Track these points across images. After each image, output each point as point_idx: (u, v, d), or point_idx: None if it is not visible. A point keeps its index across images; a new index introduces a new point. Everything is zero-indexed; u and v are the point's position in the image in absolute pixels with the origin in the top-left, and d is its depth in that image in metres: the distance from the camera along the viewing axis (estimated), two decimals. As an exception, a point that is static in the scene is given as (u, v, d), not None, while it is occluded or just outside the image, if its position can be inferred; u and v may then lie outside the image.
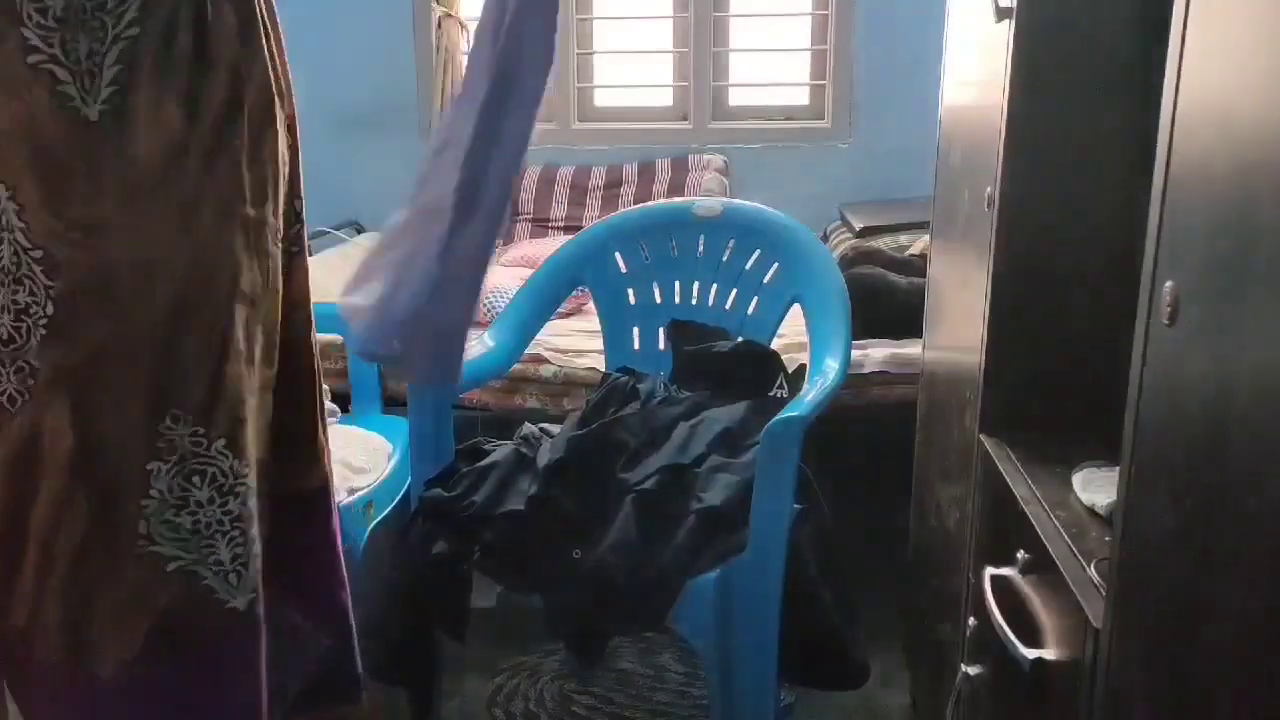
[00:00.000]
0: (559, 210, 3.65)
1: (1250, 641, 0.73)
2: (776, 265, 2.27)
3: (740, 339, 2.25)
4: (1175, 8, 0.85)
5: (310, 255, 1.50)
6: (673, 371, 2.26)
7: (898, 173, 3.37)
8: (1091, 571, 1.09)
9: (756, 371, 2.18)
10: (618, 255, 2.38)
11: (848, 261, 2.75)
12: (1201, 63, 0.82)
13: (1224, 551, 0.77)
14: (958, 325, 1.72)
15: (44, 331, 1.22)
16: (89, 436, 1.24)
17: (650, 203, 3.17)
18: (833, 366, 1.97)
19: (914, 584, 2.08)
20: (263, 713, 1.37)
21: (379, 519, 2.08)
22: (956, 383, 1.70)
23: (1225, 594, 0.77)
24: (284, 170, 1.36)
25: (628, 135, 3.73)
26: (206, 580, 1.30)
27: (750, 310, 2.30)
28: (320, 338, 1.51)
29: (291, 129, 1.39)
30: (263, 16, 1.31)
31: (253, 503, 1.33)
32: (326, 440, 1.52)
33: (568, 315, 2.72)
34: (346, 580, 1.55)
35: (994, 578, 1.32)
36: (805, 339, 2.17)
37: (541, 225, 3.66)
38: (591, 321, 2.48)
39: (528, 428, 2.13)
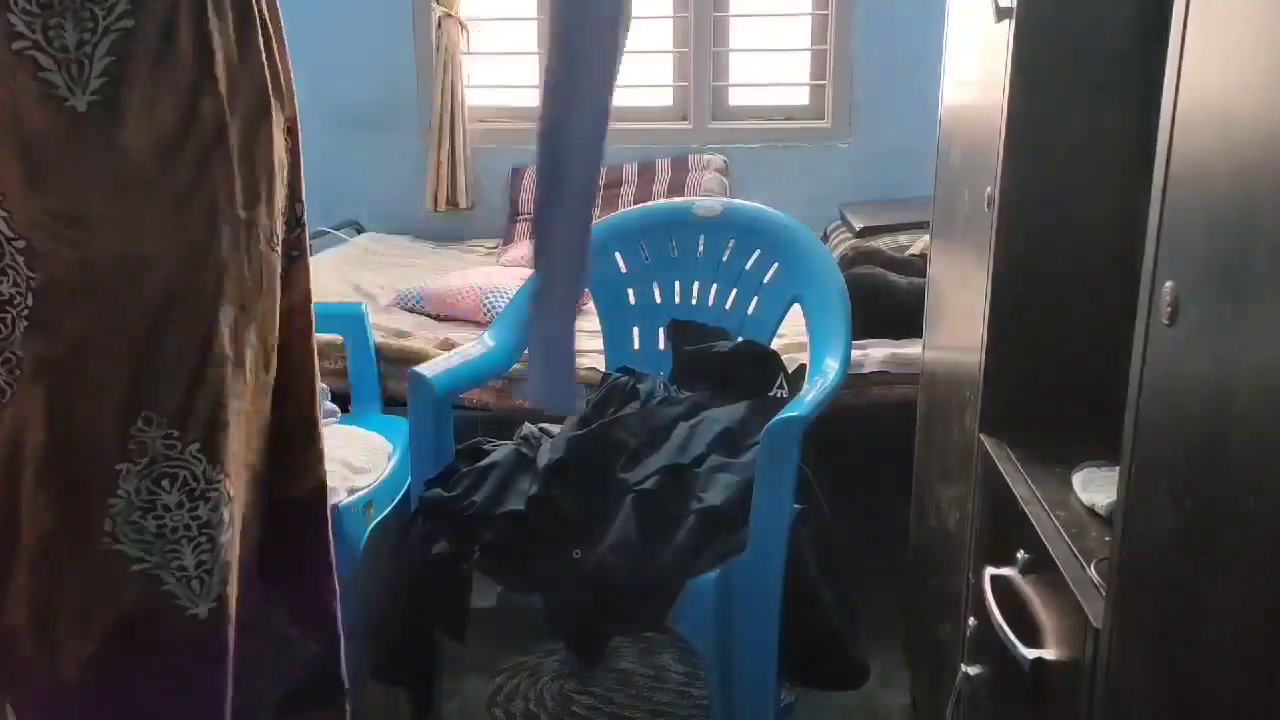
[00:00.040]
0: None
1: (1250, 641, 0.73)
2: (776, 265, 2.27)
3: (740, 339, 2.25)
4: (1175, 8, 0.85)
5: (310, 255, 1.49)
6: (673, 371, 2.26)
7: (898, 173, 3.37)
8: (1091, 571, 1.09)
9: (756, 371, 2.18)
10: (618, 255, 2.38)
11: (848, 261, 2.75)
12: (1201, 63, 0.82)
13: (1224, 551, 0.77)
14: (958, 325, 1.72)
15: (25, 324, 1.20)
16: (60, 433, 1.22)
17: (650, 203, 3.17)
18: (833, 366, 1.97)
19: (914, 584, 2.08)
20: None
21: (379, 519, 2.08)
22: (956, 383, 1.70)
23: (1225, 594, 0.77)
24: (282, 173, 1.35)
25: (627, 135, 3.73)
26: (168, 585, 1.27)
27: (750, 310, 2.30)
28: (320, 338, 1.50)
29: (293, 131, 1.37)
30: (263, 17, 1.30)
31: (226, 510, 1.30)
32: (322, 446, 1.50)
33: (568, 315, 2.71)
34: (337, 588, 1.53)
35: (994, 578, 1.32)
36: (805, 339, 2.17)
37: (541, 225, 3.65)
38: (591, 321, 2.48)
39: (528, 428, 2.13)
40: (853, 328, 2.09)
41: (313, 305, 1.46)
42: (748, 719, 1.85)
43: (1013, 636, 1.21)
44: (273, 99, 1.31)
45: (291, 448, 1.44)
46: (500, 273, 3.10)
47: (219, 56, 1.23)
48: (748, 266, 2.30)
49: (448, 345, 2.47)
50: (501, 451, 2.03)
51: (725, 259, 2.32)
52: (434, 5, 3.67)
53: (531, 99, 3.89)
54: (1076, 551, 1.14)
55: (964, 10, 1.76)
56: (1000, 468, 1.39)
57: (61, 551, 1.25)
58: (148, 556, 1.26)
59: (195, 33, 1.21)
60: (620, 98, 1.43)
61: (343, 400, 2.40)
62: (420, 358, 2.34)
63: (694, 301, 2.35)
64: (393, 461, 2.20)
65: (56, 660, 1.27)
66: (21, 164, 1.18)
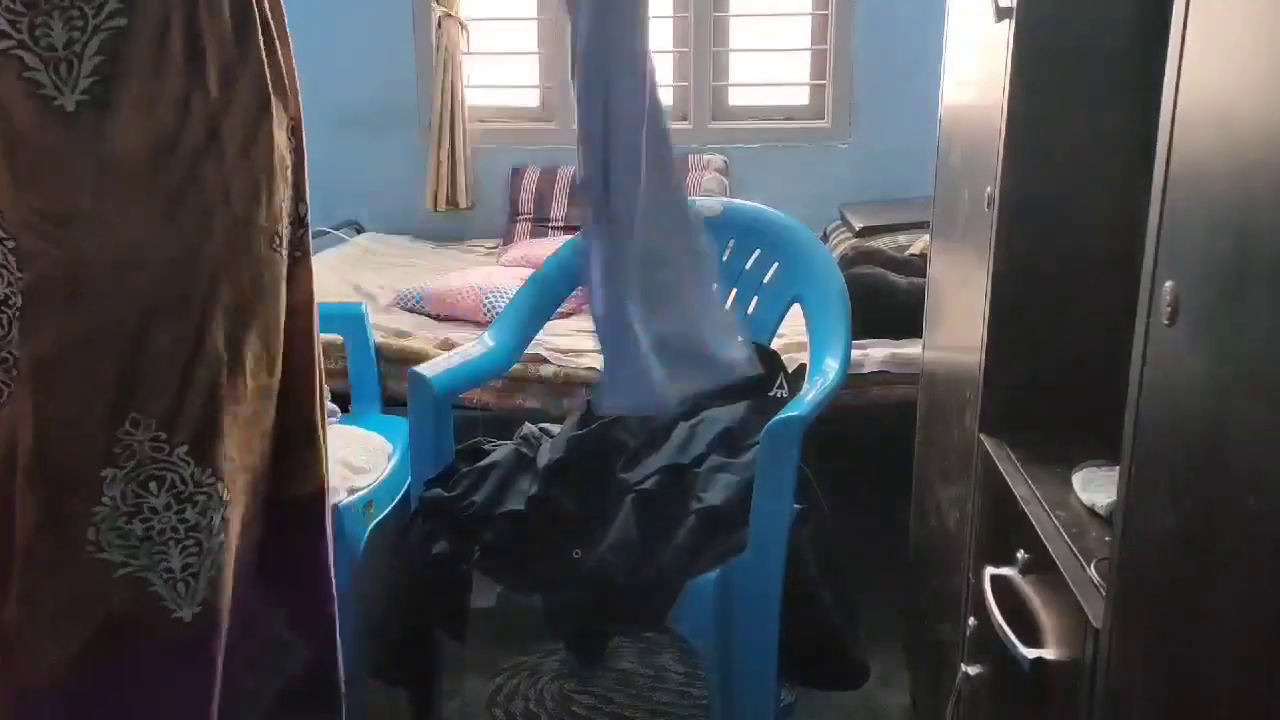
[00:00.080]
0: (559, 210, 3.65)
1: (1250, 641, 0.73)
2: (776, 265, 2.27)
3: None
4: (1175, 8, 0.85)
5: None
6: (673, 371, 2.26)
7: (898, 173, 3.37)
8: (1091, 571, 1.09)
9: (756, 371, 2.18)
10: (618, 255, 2.38)
11: (848, 261, 2.75)
12: (1201, 63, 0.82)
13: (1224, 551, 0.77)
14: (958, 325, 1.72)
15: (18, 325, 1.20)
16: (45, 435, 1.22)
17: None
18: (833, 366, 1.97)
19: (914, 584, 2.08)
20: None
21: (379, 519, 2.08)
22: (956, 383, 1.70)
23: (1225, 594, 0.77)
24: (285, 173, 1.34)
25: (628, 135, 3.73)
26: (155, 587, 1.27)
27: (750, 310, 2.29)
28: (320, 338, 1.50)
29: (296, 131, 1.36)
30: (264, 16, 1.29)
31: (215, 514, 1.29)
32: (325, 449, 1.49)
33: (568, 315, 2.71)
34: (334, 593, 1.52)
35: (994, 578, 1.32)
36: (805, 339, 2.17)
37: (542, 225, 3.66)
38: (591, 321, 2.48)
39: (528, 428, 2.13)
40: (853, 328, 2.09)
41: (316, 306, 1.46)
42: (748, 719, 1.85)
43: (1013, 636, 1.21)
44: (274, 98, 1.30)
45: (291, 449, 1.43)
46: (500, 273, 3.10)
47: (213, 55, 1.22)
48: (748, 266, 2.30)
49: (448, 345, 2.46)
50: (501, 451, 2.03)
51: (725, 259, 2.32)
52: (434, 5, 3.67)
53: (531, 99, 3.90)
54: (1076, 551, 1.14)
55: (964, 10, 1.76)
56: (1000, 468, 1.39)
57: (43, 553, 1.24)
58: (133, 560, 1.26)
59: (188, 32, 1.21)
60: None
61: (343, 400, 2.40)
62: (420, 358, 2.34)
63: (694, 301, 2.35)
64: (393, 461, 2.20)
65: (38, 662, 1.27)
66: (9, 164, 1.17)
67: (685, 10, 3.69)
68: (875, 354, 2.41)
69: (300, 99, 1.37)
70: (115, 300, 1.21)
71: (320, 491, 1.48)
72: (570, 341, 2.59)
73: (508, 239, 3.70)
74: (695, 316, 1.49)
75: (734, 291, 2.31)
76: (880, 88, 3.61)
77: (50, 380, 1.21)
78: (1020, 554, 1.26)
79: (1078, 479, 1.28)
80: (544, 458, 1.94)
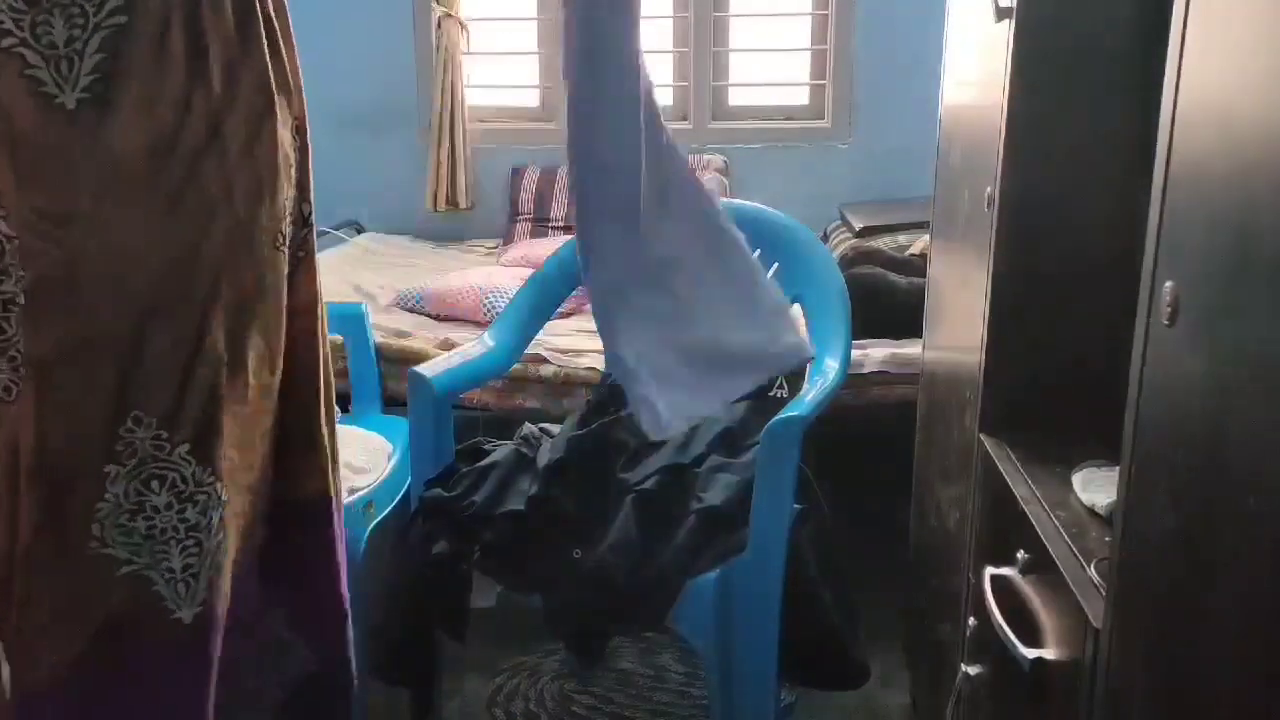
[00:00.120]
0: (559, 210, 3.65)
1: (1250, 641, 0.73)
2: (776, 265, 2.26)
3: (740, 339, 2.25)
4: (1175, 8, 0.85)
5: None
6: (673, 371, 2.26)
7: (898, 173, 3.37)
8: (1091, 571, 1.09)
9: (756, 371, 2.18)
10: (618, 255, 2.38)
11: (848, 261, 2.75)
12: (1201, 63, 0.82)
13: (1224, 551, 0.77)
14: (958, 325, 1.72)
15: (22, 324, 1.20)
16: (46, 433, 1.22)
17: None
18: (833, 366, 1.97)
19: (914, 584, 2.08)
20: None
21: (379, 519, 2.08)
22: (956, 383, 1.70)
23: (1225, 594, 0.77)
24: (288, 171, 1.33)
25: (627, 135, 3.73)
26: (156, 587, 1.27)
27: (750, 310, 2.29)
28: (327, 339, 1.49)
29: (301, 130, 1.36)
30: (267, 14, 1.29)
31: (215, 513, 1.29)
32: (333, 452, 1.49)
33: (568, 315, 2.72)
34: (345, 599, 1.51)
35: (994, 578, 1.32)
36: (805, 339, 2.17)
37: (542, 225, 3.66)
38: (591, 321, 2.48)
39: (528, 428, 2.13)
40: (853, 328, 2.09)
41: (321, 307, 1.45)
42: (748, 719, 1.85)
43: (1013, 636, 1.21)
44: (278, 96, 1.29)
45: (293, 450, 1.43)
46: (500, 273, 3.10)
47: (215, 54, 1.22)
48: (748, 266, 2.30)
49: (448, 345, 2.47)
50: (501, 451, 2.03)
51: (725, 259, 2.32)
52: (434, 5, 3.67)
53: (531, 99, 3.90)
54: (1076, 551, 1.14)
55: (964, 10, 1.76)
56: (1000, 468, 1.39)
57: (44, 553, 1.24)
58: (136, 558, 1.26)
59: (190, 30, 1.20)
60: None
61: (343, 400, 2.39)
62: (420, 358, 2.34)
63: (694, 301, 2.35)
64: (393, 461, 2.20)
65: (38, 663, 1.26)
66: (11, 162, 1.17)
67: (685, 10, 3.69)
68: (875, 354, 2.41)
69: (305, 98, 1.37)
70: (115, 300, 1.21)
71: (325, 494, 1.47)
72: (570, 341, 2.59)
73: (508, 239, 3.70)
74: (728, 314, 1.47)
75: (734, 291, 2.32)
76: (880, 88, 3.61)
77: (51, 379, 1.21)
78: (1020, 554, 1.26)
79: (1078, 479, 1.28)
80: (544, 458, 1.94)
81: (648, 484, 1.86)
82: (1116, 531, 0.97)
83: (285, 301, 1.36)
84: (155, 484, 1.25)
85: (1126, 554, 0.95)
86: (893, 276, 2.66)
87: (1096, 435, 1.29)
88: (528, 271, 2.55)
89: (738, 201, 2.55)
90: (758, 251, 2.29)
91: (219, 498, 1.29)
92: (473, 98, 3.77)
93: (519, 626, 2.25)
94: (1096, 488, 1.24)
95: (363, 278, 3.20)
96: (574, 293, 2.51)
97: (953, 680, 1.52)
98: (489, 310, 2.79)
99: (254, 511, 1.37)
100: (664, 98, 3.79)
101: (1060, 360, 1.48)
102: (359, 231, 3.78)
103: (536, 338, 2.32)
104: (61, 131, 1.17)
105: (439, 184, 3.73)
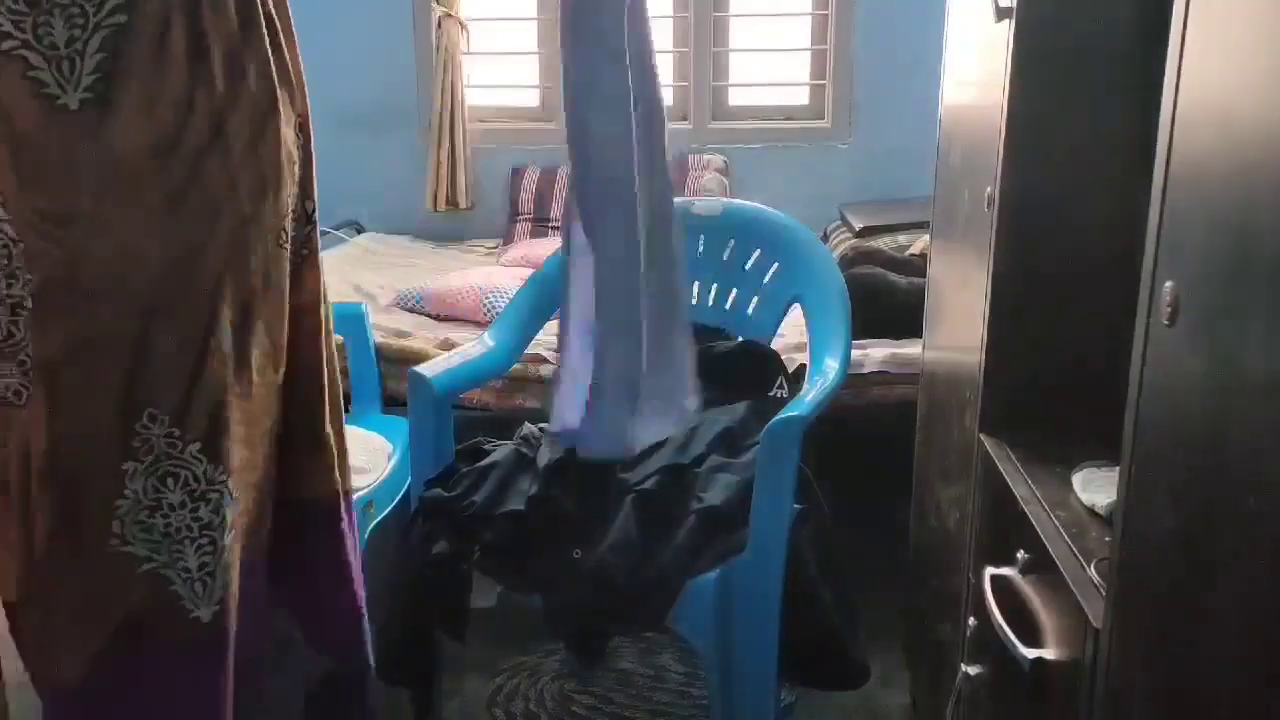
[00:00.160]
0: (559, 210, 3.65)
1: (1250, 641, 0.73)
2: (776, 265, 2.27)
3: (740, 339, 2.25)
4: (1175, 8, 0.85)
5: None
6: (673, 371, 2.26)
7: (898, 173, 3.37)
8: (1091, 571, 1.09)
9: (756, 371, 2.18)
10: (618, 255, 2.38)
11: (848, 261, 2.75)
12: (1201, 63, 0.82)
13: (1224, 551, 0.77)
14: (958, 325, 1.72)
15: (30, 326, 1.20)
16: (61, 434, 1.22)
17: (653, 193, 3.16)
18: (833, 366, 1.97)
19: (914, 584, 2.08)
20: None
21: (379, 519, 2.08)
22: (956, 383, 1.70)
23: (1225, 594, 0.77)
24: (292, 169, 1.33)
25: (627, 135, 3.73)
26: (174, 586, 1.27)
27: (750, 310, 2.29)
28: (333, 339, 1.49)
29: (304, 128, 1.36)
30: (269, 12, 1.29)
31: (227, 510, 1.29)
32: (341, 451, 1.48)
33: (568, 315, 2.71)
34: (360, 603, 1.51)
35: (994, 578, 1.32)
36: (805, 339, 2.17)
37: (542, 225, 3.66)
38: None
39: (528, 428, 2.13)
40: (853, 328, 2.09)
41: (326, 306, 1.45)
42: (748, 719, 1.85)
43: (1013, 636, 1.21)
44: (280, 94, 1.30)
45: (297, 450, 1.43)
46: (500, 273, 3.10)
47: (216, 52, 1.22)
48: (748, 266, 2.30)
49: (448, 345, 2.46)
50: (501, 451, 2.03)
51: (725, 259, 2.32)
52: (434, 5, 3.67)
53: (531, 99, 3.90)
54: (1076, 551, 1.14)
55: (964, 10, 1.76)
56: (1000, 468, 1.39)
57: (62, 552, 1.25)
58: (156, 555, 1.26)
59: (190, 30, 1.20)
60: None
61: (343, 400, 2.40)
62: (420, 358, 2.34)
63: (694, 301, 2.35)
64: (393, 461, 2.20)
65: (57, 661, 1.27)
66: (14, 164, 1.17)
67: (685, 10, 3.69)
68: (875, 354, 2.41)
69: (308, 96, 1.37)
70: (118, 300, 1.21)
71: (334, 494, 1.47)
72: (570, 341, 2.59)
73: (508, 239, 3.70)
74: (670, 356, 1.49)
75: (734, 292, 2.32)
76: (880, 88, 3.61)
77: (59, 381, 1.22)
78: (1020, 554, 1.26)
79: (1078, 479, 1.28)
80: (544, 458, 1.94)
81: (648, 484, 1.85)
82: (1116, 531, 0.97)
83: (288, 299, 1.36)
84: (170, 481, 1.25)
85: (1126, 554, 0.95)
86: (893, 276, 2.66)
87: (1096, 435, 1.29)
88: (528, 271, 2.55)
89: (738, 201, 2.55)
90: (758, 252, 2.31)
91: (231, 495, 1.30)
92: (473, 98, 3.78)
93: (519, 626, 2.25)
94: (1096, 488, 1.24)
95: (363, 278, 3.20)
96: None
97: (953, 680, 1.52)
98: (489, 310, 2.79)
99: (259, 510, 1.37)
100: (664, 98, 3.79)
101: (1060, 360, 1.48)
102: (359, 231, 3.79)
103: (536, 338, 2.32)
104: (64, 132, 1.17)
105: (439, 184, 3.74)
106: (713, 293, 2.34)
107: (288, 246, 1.34)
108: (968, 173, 1.68)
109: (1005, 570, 1.31)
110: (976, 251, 1.56)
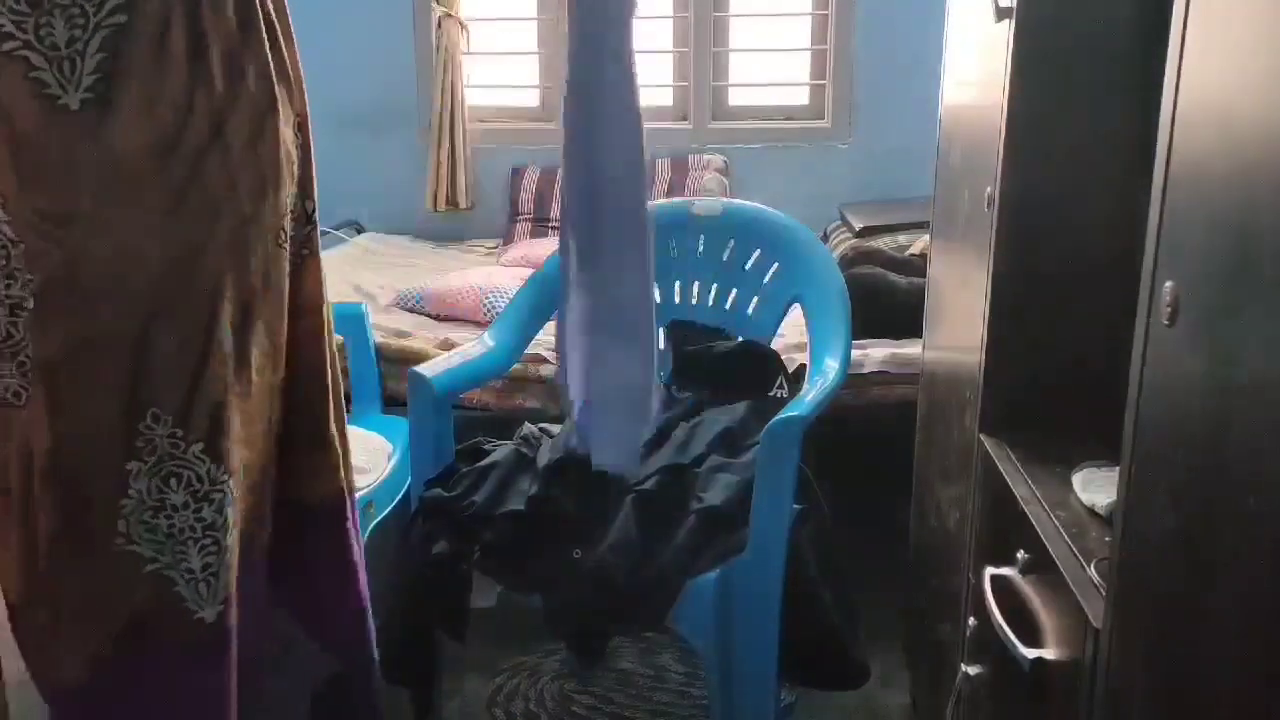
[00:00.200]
0: (559, 210, 3.65)
1: (1250, 641, 0.73)
2: (776, 265, 2.27)
3: (740, 339, 2.25)
4: (1175, 8, 0.85)
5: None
6: (672, 372, 2.26)
7: (898, 173, 3.37)
8: (1091, 571, 1.09)
9: (756, 371, 2.18)
10: (618, 255, 2.38)
11: (848, 261, 2.75)
12: (1201, 63, 0.82)
13: (1224, 551, 0.77)
14: (958, 325, 1.72)
15: (30, 327, 1.20)
16: (64, 434, 1.22)
17: (650, 203, 3.16)
18: (833, 366, 1.97)
19: (914, 584, 2.08)
20: None
21: (379, 519, 2.08)
22: (956, 383, 1.70)
23: (1225, 594, 0.77)
24: (290, 168, 1.33)
25: (627, 135, 3.73)
26: (178, 587, 1.27)
27: (750, 310, 2.30)
28: (334, 340, 1.49)
29: (303, 127, 1.36)
30: (267, 12, 1.29)
31: (230, 511, 1.29)
32: (344, 451, 1.48)
33: (568, 315, 2.71)
34: (365, 602, 1.51)
35: (994, 578, 1.32)
36: (805, 339, 2.17)
37: (542, 225, 3.66)
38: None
39: (528, 428, 2.13)
40: (853, 328, 2.09)
41: (327, 306, 1.45)
42: (748, 719, 1.85)
43: (1013, 636, 1.21)
44: (280, 93, 1.30)
45: (299, 450, 1.43)
46: (500, 273, 3.10)
47: (215, 52, 1.22)
48: (748, 266, 2.30)
49: (448, 345, 2.46)
50: (501, 451, 2.03)
51: (725, 259, 2.32)
52: (434, 5, 3.67)
53: (531, 99, 3.90)
54: (1076, 551, 1.14)
55: (964, 10, 1.76)
56: (1000, 468, 1.39)
57: (65, 553, 1.25)
58: (160, 556, 1.26)
59: (190, 29, 1.20)
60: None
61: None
62: (420, 358, 2.34)
63: (694, 301, 2.35)
64: (393, 461, 2.20)
65: (62, 662, 1.27)
66: (14, 164, 1.17)
67: (685, 10, 3.69)
68: (875, 354, 2.41)
69: (306, 95, 1.37)
70: (119, 299, 1.21)
71: (339, 493, 1.47)
72: (570, 341, 2.59)
73: (508, 239, 3.70)
74: (640, 373, 1.50)
75: (734, 292, 2.32)
76: (880, 88, 3.61)
77: (61, 382, 1.21)
78: (1020, 554, 1.26)
79: (1078, 479, 1.28)
80: (544, 458, 1.94)
81: (648, 484, 1.85)
82: (1116, 531, 0.97)
83: (287, 299, 1.36)
84: (174, 482, 1.25)
85: (1126, 554, 0.95)
86: (893, 276, 2.66)
87: (1096, 435, 1.29)
88: (528, 271, 2.55)
89: (738, 201, 2.55)
90: (758, 252, 2.31)
91: (232, 495, 1.30)
92: (473, 98, 3.78)
93: (519, 626, 2.25)
94: (1096, 488, 1.24)
95: (363, 278, 3.20)
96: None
97: (953, 680, 1.52)
98: (489, 310, 2.79)
99: (259, 511, 1.37)
100: (664, 98, 3.80)
101: (1060, 360, 1.48)
102: (359, 231, 3.79)
103: (536, 338, 2.33)
104: (64, 132, 1.17)
105: (439, 184, 3.74)
106: (713, 293, 2.34)
107: (287, 246, 1.34)
108: (968, 173, 1.68)
109: (1005, 570, 1.31)
110: (976, 251, 1.56)
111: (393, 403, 2.46)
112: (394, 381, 2.47)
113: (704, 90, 3.74)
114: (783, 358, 2.24)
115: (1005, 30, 1.43)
